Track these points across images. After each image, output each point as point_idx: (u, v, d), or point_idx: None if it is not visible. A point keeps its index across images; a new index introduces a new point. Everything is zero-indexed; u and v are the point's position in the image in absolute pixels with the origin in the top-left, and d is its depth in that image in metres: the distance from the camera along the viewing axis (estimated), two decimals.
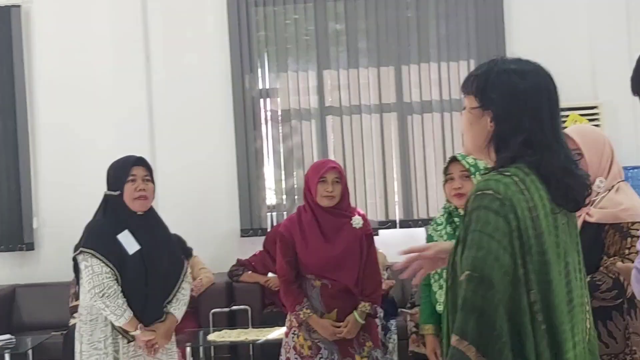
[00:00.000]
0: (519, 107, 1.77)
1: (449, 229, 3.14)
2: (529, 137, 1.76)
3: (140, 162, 3.39)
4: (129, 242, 3.28)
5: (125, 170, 3.33)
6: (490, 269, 1.64)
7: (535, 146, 1.76)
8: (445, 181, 3.11)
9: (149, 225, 3.38)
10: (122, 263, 3.25)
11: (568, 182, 1.77)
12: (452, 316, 1.74)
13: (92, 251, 3.22)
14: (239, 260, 5.55)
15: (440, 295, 3.09)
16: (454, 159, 3.09)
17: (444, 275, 3.03)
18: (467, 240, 1.70)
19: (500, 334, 1.63)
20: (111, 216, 3.31)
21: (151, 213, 3.42)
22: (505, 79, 1.80)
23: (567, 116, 5.30)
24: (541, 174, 1.75)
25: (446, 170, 3.11)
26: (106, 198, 3.36)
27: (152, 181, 3.40)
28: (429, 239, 3.22)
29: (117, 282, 3.23)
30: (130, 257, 3.26)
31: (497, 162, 1.80)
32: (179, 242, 5.28)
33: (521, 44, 5.62)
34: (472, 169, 3.02)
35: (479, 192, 1.73)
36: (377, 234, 5.51)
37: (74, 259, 3.32)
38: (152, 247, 3.34)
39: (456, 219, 3.13)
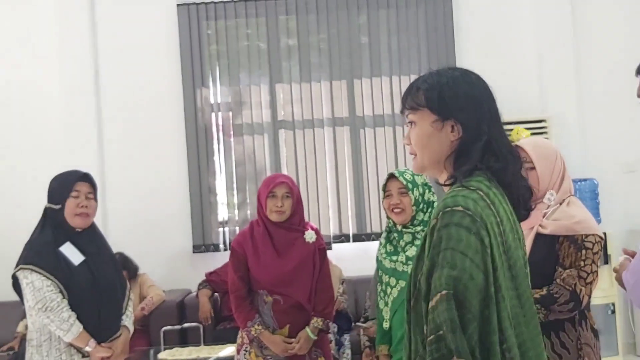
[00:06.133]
0: (478, 114, 1.76)
1: (389, 247, 3.17)
2: (489, 144, 1.74)
3: (86, 178, 3.33)
4: (72, 253, 3.19)
5: (69, 185, 3.26)
6: (464, 288, 1.59)
7: (498, 153, 1.74)
8: (384, 197, 3.15)
9: (90, 239, 3.31)
10: (68, 276, 3.15)
11: (521, 191, 1.78)
12: (416, 336, 1.69)
13: (31, 266, 3.12)
14: (205, 274, 5.42)
15: (386, 313, 3.11)
16: (391, 176, 3.14)
17: (389, 292, 3.06)
18: (437, 259, 1.64)
19: (474, 353, 1.58)
20: (51, 230, 3.22)
21: (92, 229, 3.34)
22: (458, 87, 1.78)
23: (511, 130, 5.36)
24: (502, 183, 1.74)
25: (384, 187, 3.15)
26: (46, 211, 3.27)
27: (95, 199, 3.33)
28: (377, 260, 3.24)
29: (62, 295, 3.13)
30: (76, 269, 3.18)
31: (457, 174, 1.75)
32: (123, 259, 5.21)
33: (471, 58, 5.71)
34: (410, 185, 3.07)
35: (447, 209, 1.66)
36: (330, 248, 5.50)
37: (14, 277, 3.20)
38: (98, 258, 3.28)
39: (395, 235, 3.15)
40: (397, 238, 3.14)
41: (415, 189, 3.07)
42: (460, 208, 1.64)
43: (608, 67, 5.77)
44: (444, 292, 1.59)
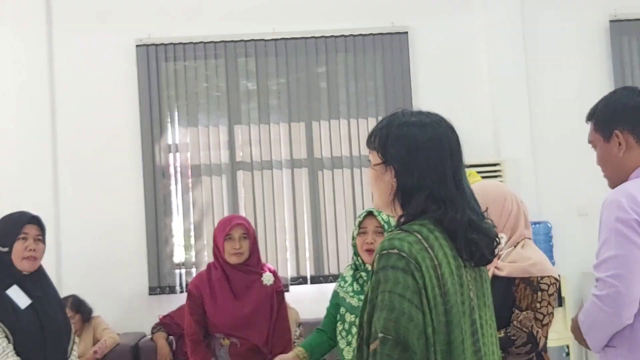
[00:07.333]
0: (420, 160, 1.75)
1: (355, 286, 3.07)
2: (432, 191, 1.73)
3: (34, 220, 3.27)
4: (19, 296, 3.12)
5: (17, 228, 3.20)
6: (404, 330, 1.60)
7: (439, 200, 1.73)
8: (358, 234, 3.06)
9: (38, 282, 3.24)
10: (14, 320, 3.08)
11: (473, 237, 1.74)
12: None
13: None
14: (159, 318, 5.33)
15: (348, 352, 3.03)
16: (370, 213, 3.05)
17: (354, 331, 3.02)
18: (376, 301, 1.66)
19: None
20: None
21: (39, 272, 3.28)
22: (404, 132, 1.78)
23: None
24: (445, 229, 1.73)
25: (360, 224, 3.06)
26: None
27: (44, 241, 3.28)
28: (334, 295, 3.16)
29: (8, 339, 3.05)
30: (22, 313, 3.11)
31: (402, 218, 1.77)
32: (77, 302, 5.10)
33: (426, 102, 5.78)
34: (386, 226, 2.99)
35: (384, 252, 1.69)
36: (288, 290, 5.47)
37: None
38: (45, 302, 3.21)
39: (363, 274, 3.07)
40: (364, 277, 3.05)
41: (390, 230, 3.00)
42: (395, 251, 1.67)
43: (561, 113, 5.91)
44: (381, 335, 1.61)
